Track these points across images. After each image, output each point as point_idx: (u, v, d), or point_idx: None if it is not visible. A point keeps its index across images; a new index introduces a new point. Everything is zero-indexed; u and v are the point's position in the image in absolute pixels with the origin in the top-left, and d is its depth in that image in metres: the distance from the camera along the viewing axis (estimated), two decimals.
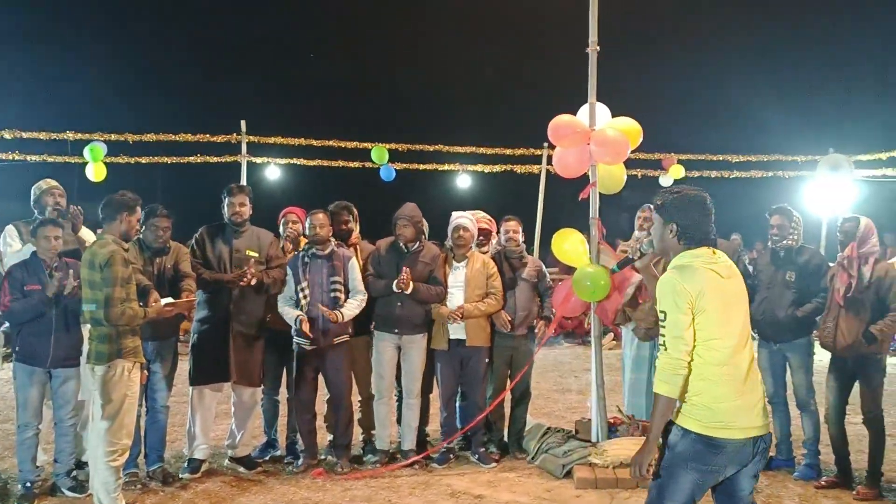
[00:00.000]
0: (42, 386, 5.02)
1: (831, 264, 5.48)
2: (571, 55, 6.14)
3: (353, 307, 5.59)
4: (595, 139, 5.63)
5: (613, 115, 5.85)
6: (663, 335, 3.00)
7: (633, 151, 5.86)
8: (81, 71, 17.90)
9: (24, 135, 11.02)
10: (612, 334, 11.51)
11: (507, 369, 6.10)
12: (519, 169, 13.96)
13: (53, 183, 5.60)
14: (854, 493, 5.11)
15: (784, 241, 5.53)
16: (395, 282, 5.61)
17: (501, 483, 5.41)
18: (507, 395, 6.13)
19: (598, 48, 5.76)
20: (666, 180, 14.26)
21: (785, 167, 14.75)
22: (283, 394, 6.07)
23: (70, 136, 11.30)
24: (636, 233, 6.33)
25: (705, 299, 2.98)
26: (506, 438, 6.19)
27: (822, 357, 5.56)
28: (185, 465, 5.56)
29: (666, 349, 2.99)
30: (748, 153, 14.58)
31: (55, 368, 4.98)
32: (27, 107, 14.64)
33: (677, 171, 14.13)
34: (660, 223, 3.22)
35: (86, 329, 4.76)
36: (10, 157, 11.34)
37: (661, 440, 3.11)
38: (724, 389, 2.98)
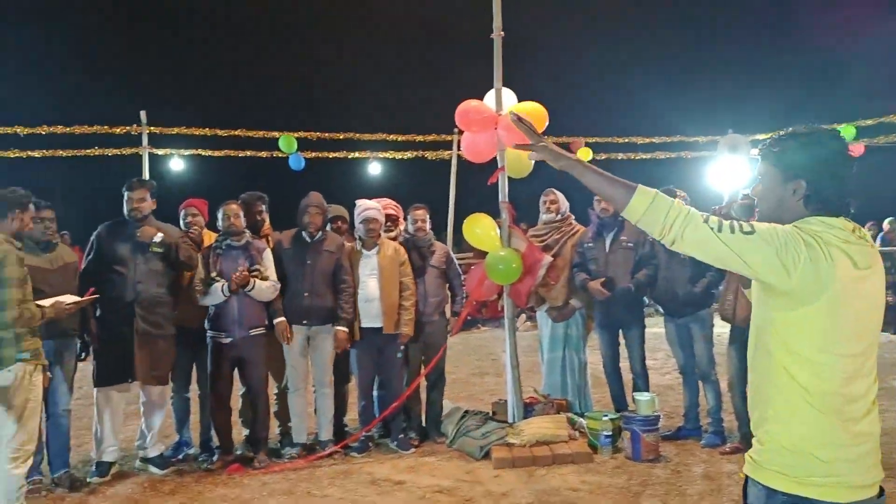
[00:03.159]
0: None
1: None
2: (478, 41, 6.18)
3: (265, 285, 5.48)
4: (502, 123, 5.70)
5: (520, 100, 5.92)
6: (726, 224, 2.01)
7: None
8: None
9: None
10: (524, 316, 11.73)
11: (421, 355, 6.13)
12: (430, 155, 14.01)
13: None
14: None
15: None
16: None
17: (422, 467, 5.44)
18: (423, 381, 6.16)
19: (503, 34, 5.82)
20: None
21: (687, 148, 15.32)
22: (192, 391, 5.93)
23: None
24: (543, 216, 6.44)
25: (825, 292, 1.98)
26: (424, 423, 6.23)
27: (724, 329, 5.79)
28: (94, 468, 5.36)
29: (705, 221, 2.02)
30: (653, 135, 15.06)
31: None
32: None
33: (585, 154, 14.48)
34: (775, 178, 2.16)
35: None
36: None
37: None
38: (825, 429, 2.02)
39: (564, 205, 6.38)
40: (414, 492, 4.96)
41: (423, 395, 6.26)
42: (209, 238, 5.81)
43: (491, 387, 8.14)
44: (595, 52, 18.80)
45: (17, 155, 11.12)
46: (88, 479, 5.26)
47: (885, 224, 12.41)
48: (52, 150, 11.62)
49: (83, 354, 5.44)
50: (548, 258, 5.92)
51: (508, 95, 5.87)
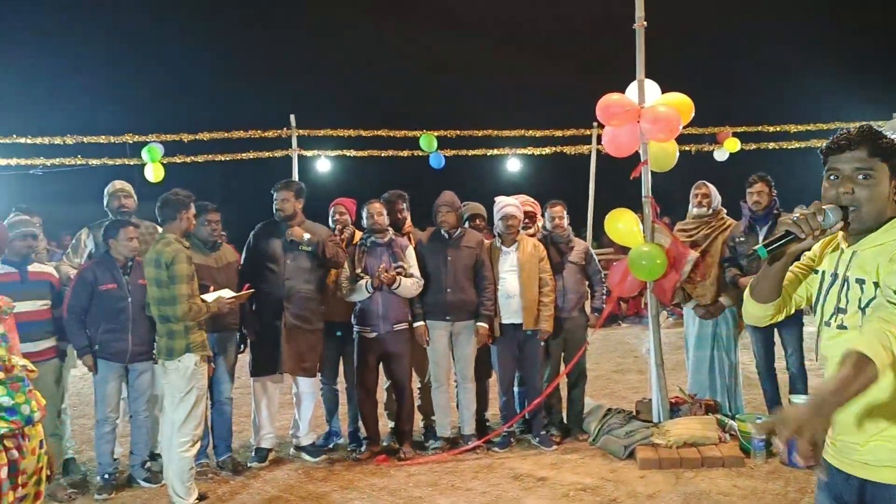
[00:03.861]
0: (120, 380, 5.21)
1: None
2: (618, 32, 6.07)
3: (409, 282, 5.64)
4: (645, 116, 5.56)
5: (663, 91, 5.76)
6: None
7: (685, 126, 5.77)
8: (137, 76, 18.40)
9: (86, 139, 11.34)
10: (665, 312, 11.38)
11: (561, 351, 6.10)
12: (569, 150, 13.84)
13: (119, 185, 5.74)
14: None
15: None
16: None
17: (564, 465, 5.42)
18: (564, 378, 6.12)
19: (645, 24, 5.68)
20: (721, 154, 14.01)
21: None
22: (340, 383, 6.17)
23: (129, 138, 11.60)
24: (694, 210, 6.21)
25: None
26: (566, 420, 6.19)
27: None
28: (253, 454, 5.71)
29: None
30: (807, 122, 14.16)
31: (132, 363, 5.16)
32: (88, 112, 15.08)
33: (732, 145, 13.87)
34: (885, 176, 2.06)
35: None
36: (74, 162, 11.74)
37: None
38: None
39: (716, 198, 6.13)
40: (557, 489, 4.95)
41: (564, 392, 6.23)
42: (356, 236, 6.04)
43: (633, 384, 7.98)
44: (742, 37, 17.92)
45: (182, 160, 12.00)
46: (249, 464, 5.61)
47: None
48: (212, 154, 12.44)
49: (242, 347, 5.79)
50: (694, 254, 5.73)
51: (651, 87, 5.72)
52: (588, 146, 13.53)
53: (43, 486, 3.08)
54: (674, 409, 5.74)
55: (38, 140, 11.01)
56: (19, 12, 18.63)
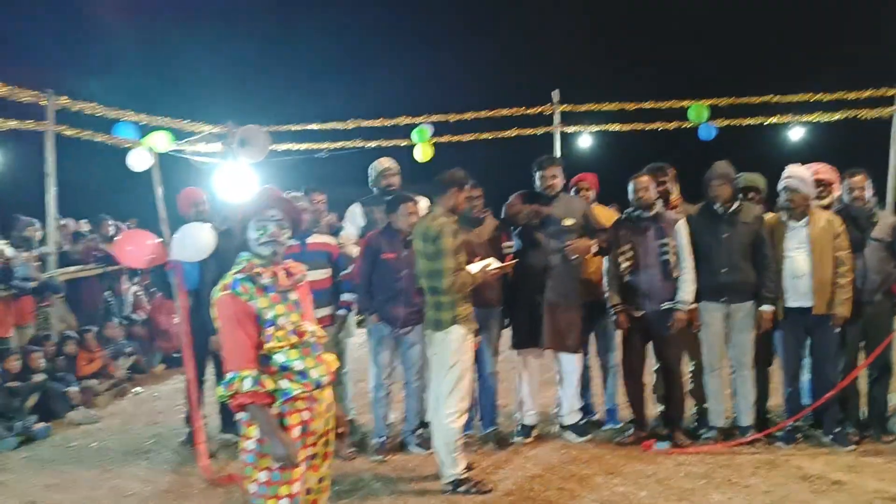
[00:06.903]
0: (392, 350, 5.48)
1: None
2: None
3: (689, 286, 5.30)
4: None
5: None
6: None
7: None
8: (406, 58, 19.40)
9: (364, 123, 12.17)
10: None
11: (859, 340, 5.38)
12: (864, 114, 12.18)
13: (387, 164, 6.00)
14: None
15: None
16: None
17: (865, 468, 4.79)
18: (864, 371, 5.39)
19: None
20: None
21: None
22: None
23: (402, 121, 12.24)
24: None
25: None
26: (864, 418, 5.45)
27: None
28: (518, 429, 5.71)
29: None
30: None
31: (404, 334, 5.38)
32: (363, 99, 16.17)
33: None
34: None
35: None
36: (353, 145, 12.67)
37: None
38: None
39: None
40: (857, 495, 4.39)
41: (862, 387, 5.49)
42: (601, 211, 5.89)
43: None
44: None
45: (448, 140, 12.43)
46: (513, 439, 5.63)
47: None
48: (477, 133, 12.72)
49: (507, 321, 5.79)
50: None
51: None
52: (889, 108, 11.81)
53: (331, 448, 3.27)
54: None
55: (325, 126, 12.01)
56: (310, 15, 20.50)
